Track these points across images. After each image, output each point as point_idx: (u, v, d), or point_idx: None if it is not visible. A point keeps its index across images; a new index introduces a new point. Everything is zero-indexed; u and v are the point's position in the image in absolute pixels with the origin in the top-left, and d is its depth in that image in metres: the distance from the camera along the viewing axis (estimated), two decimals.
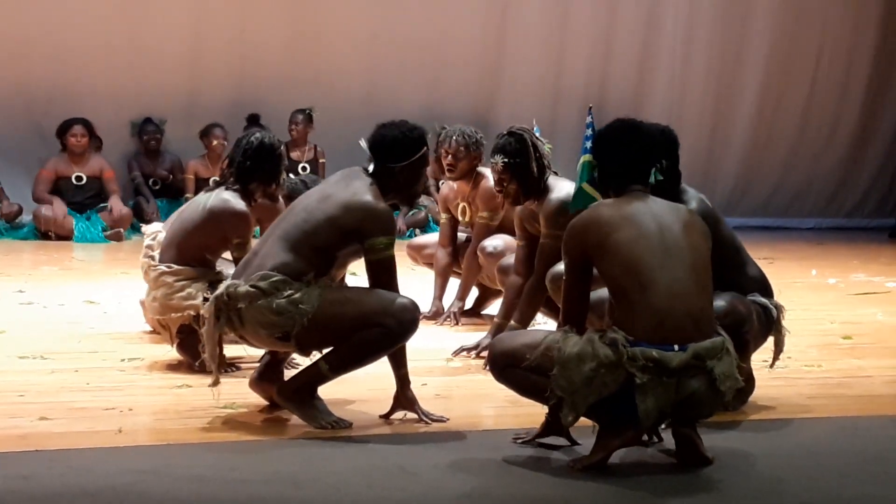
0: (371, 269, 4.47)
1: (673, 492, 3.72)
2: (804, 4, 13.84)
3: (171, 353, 5.51)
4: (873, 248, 12.10)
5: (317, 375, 4.48)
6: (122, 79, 11.66)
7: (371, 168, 4.59)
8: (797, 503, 3.56)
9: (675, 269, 3.89)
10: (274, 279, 4.37)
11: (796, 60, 13.92)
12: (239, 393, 4.80)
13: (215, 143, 11.42)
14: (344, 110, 11.93)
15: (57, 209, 10.78)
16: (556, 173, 5.63)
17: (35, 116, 11.49)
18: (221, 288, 4.47)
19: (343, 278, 4.95)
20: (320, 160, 11.74)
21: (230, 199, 5.45)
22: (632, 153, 4.13)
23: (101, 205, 11.02)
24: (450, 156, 6.56)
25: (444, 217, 6.91)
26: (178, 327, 5.34)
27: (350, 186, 4.53)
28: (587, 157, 4.79)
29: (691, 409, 3.87)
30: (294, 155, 11.47)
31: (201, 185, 11.57)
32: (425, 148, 4.65)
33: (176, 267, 5.42)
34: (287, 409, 4.51)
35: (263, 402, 4.68)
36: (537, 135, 5.62)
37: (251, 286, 4.37)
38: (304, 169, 11.49)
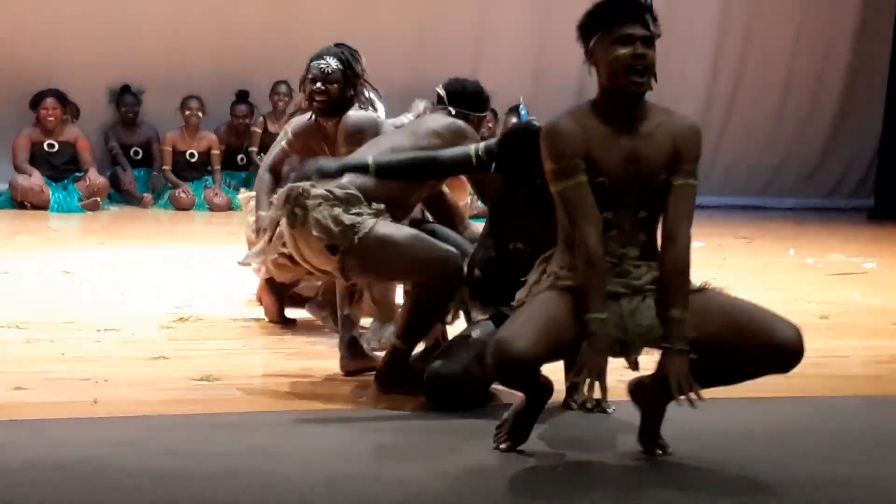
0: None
1: (645, 470, 3.72)
2: None
3: (148, 324, 5.51)
4: (852, 229, 12.14)
5: (398, 354, 4.52)
6: (101, 47, 11.60)
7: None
8: (773, 482, 3.56)
9: None
10: (349, 191, 4.44)
11: (774, 40, 13.94)
12: (216, 366, 4.79)
13: (188, 113, 11.39)
14: None
15: (34, 179, 10.72)
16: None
17: (12, 84, 11.40)
18: (298, 184, 4.50)
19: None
20: None
21: None
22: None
23: (78, 174, 10.96)
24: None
25: None
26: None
27: (443, 119, 4.79)
28: None
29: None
30: (273, 129, 11.42)
31: (178, 157, 11.56)
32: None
33: None
34: (395, 393, 4.50)
35: (243, 374, 4.68)
36: (523, 112, 5.66)
37: (327, 190, 4.42)
38: None
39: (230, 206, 11.27)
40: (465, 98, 4.91)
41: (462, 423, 4.15)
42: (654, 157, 3.61)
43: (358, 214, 4.42)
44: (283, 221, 4.49)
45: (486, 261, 4.46)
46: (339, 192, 4.44)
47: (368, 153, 4.53)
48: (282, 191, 4.53)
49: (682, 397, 3.54)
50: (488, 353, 3.55)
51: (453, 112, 4.86)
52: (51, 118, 10.90)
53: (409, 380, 4.48)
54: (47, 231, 9.52)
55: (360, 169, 4.40)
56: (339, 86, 5.32)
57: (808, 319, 6.51)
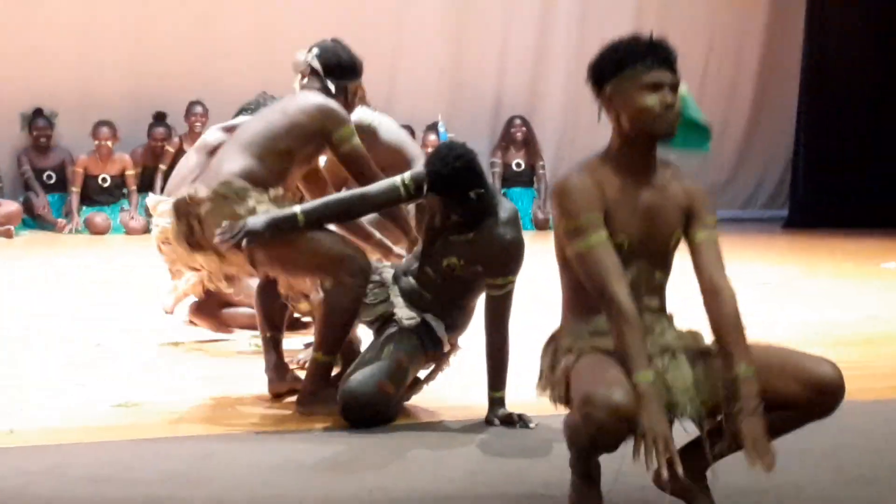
0: (345, 162, 4.66)
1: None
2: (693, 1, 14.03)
3: (65, 350, 5.44)
4: (766, 239, 12.28)
5: (320, 367, 4.48)
6: (13, 71, 11.45)
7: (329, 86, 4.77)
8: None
9: None
10: (236, 185, 4.41)
11: (686, 58, 14.02)
12: (136, 391, 4.74)
13: (98, 143, 11.25)
14: (241, 102, 11.80)
15: None
16: None
17: None
18: (182, 192, 4.48)
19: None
20: None
21: None
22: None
23: None
24: None
25: None
26: None
27: (307, 97, 4.71)
28: None
29: None
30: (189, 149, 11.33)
31: (90, 181, 11.39)
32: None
33: None
34: (317, 414, 4.47)
35: (163, 399, 4.66)
36: (441, 130, 5.66)
37: (213, 191, 4.39)
38: None
39: (147, 230, 11.15)
40: (342, 69, 4.83)
41: (382, 439, 4.13)
42: (671, 211, 3.32)
43: (254, 207, 4.39)
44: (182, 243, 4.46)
45: (419, 272, 4.45)
46: (224, 190, 4.41)
47: (297, 206, 4.47)
48: (167, 208, 4.51)
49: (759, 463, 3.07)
50: (578, 415, 3.09)
51: (330, 85, 4.77)
52: None
53: (331, 398, 4.45)
54: None
55: (290, 220, 4.35)
56: None
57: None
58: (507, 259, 4.35)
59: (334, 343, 4.50)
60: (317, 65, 4.81)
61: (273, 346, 4.75)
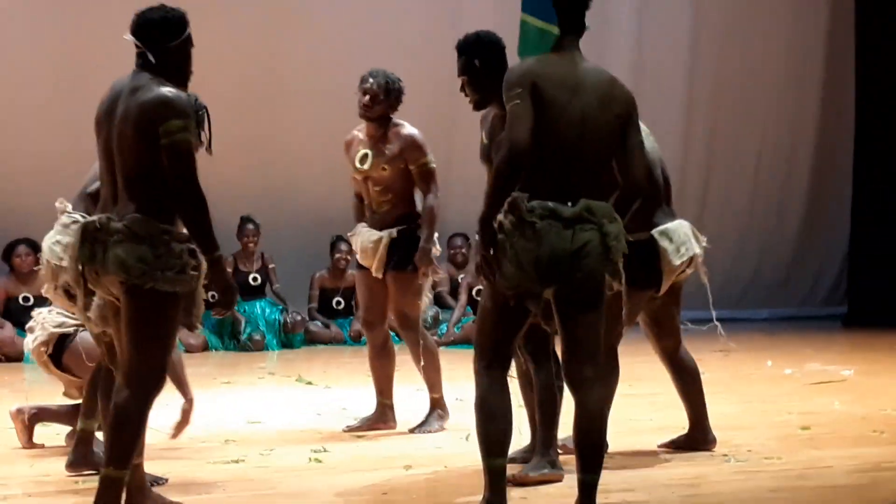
0: (166, 156, 4.25)
1: None
2: (745, 95, 14.08)
3: None
4: (827, 337, 12.19)
5: (113, 482, 4.33)
6: None
7: (149, 59, 4.39)
8: None
9: (584, 144, 4.37)
10: (149, 226, 4.27)
11: (739, 154, 14.12)
12: None
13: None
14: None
15: None
16: None
17: None
18: (94, 217, 4.41)
19: None
20: None
21: None
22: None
23: None
24: (367, 96, 6.55)
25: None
26: None
27: (136, 93, 4.35)
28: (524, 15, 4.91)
29: (584, 262, 4.29)
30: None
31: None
32: (189, 26, 4.47)
33: None
34: None
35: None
36: None
37: (125, 226, 4.27)
38: None
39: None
40: (160, 30, 4.41)
41: None
42: None
43: (176, 259, 4.27)
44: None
45: None
46: (138, 229, 4.27)
47: None
48: (76, 228, 4.43)
49: None
50: None
51: (150, 59, 4.38)
52: None
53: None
54: None
55: None
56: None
57: (790, 430, 6.53)
58: None
59: (129, 456, 4.36)
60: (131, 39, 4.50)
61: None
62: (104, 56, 10.91)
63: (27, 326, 6.00)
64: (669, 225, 5.61)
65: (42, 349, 5.86)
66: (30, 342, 5.93)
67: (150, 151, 4.27)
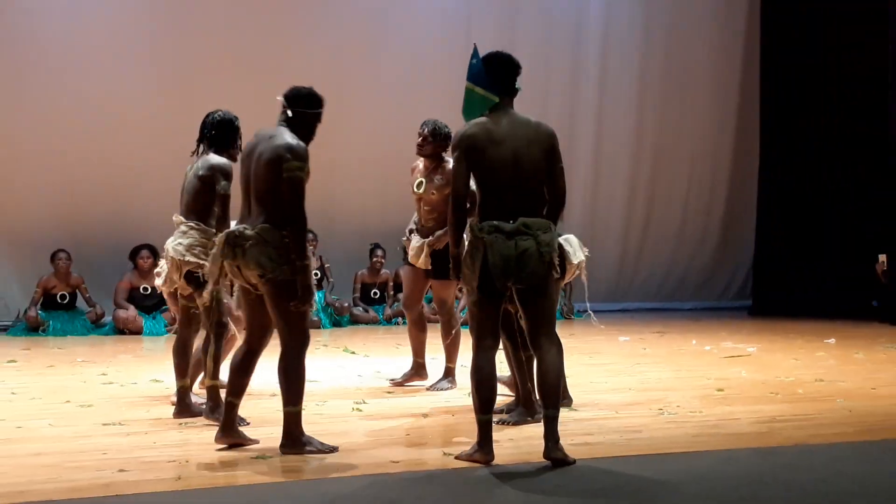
0: (285, 186, 4.50)
1: None
2: (678, 143, 14.02)
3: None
4: (737, 323, 12.14)
5: (290, 416, 4.52)
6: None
7: (289, 115, 4.66)
8: None
9: (518, 175, 4.40)
10: (273, 234, 4.50)
11: (673, 189, 14.07)
12: (264, 447, 4.73)
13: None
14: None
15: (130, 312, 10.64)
16: None
17: None
18: (233, 227, 4.61)
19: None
20: None
21: (210, 157, 5.46)
22: (503, 72, 4.55)
23: (164, 307, 10.82)
24: (421, 137, 6.56)
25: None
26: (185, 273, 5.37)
27: (272, 139, 4.59)
28: (469, 84, 4.74)
29: (526, 263, 4.34)
30: None
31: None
32: (323, 107, 4.75)
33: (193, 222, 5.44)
34: (295, 455, 4.51)
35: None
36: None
37: (256, 233, 4.50)
38: None
39: None
40: (302, 100, 4.71)
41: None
42: None
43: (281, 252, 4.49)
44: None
45: None
46: (265, 235, 4.52)
47: None
48: (220, 236, 4.62)
49: None
50: None
51: (290, 116, 4.67)
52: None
53: (305, 443, 4.54)
54: (142, 350, 9.47)
55: None
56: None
57: (709, 392, 6.50)
58: None
59: (299, 396, 4.60)
60: (281, 99, 4.76)
61: (229, 409, 4.74)
62: (205, 85, 10.95)
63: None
64: (568, 235, 5.46)
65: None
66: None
67: (276, 181, 4.51)
